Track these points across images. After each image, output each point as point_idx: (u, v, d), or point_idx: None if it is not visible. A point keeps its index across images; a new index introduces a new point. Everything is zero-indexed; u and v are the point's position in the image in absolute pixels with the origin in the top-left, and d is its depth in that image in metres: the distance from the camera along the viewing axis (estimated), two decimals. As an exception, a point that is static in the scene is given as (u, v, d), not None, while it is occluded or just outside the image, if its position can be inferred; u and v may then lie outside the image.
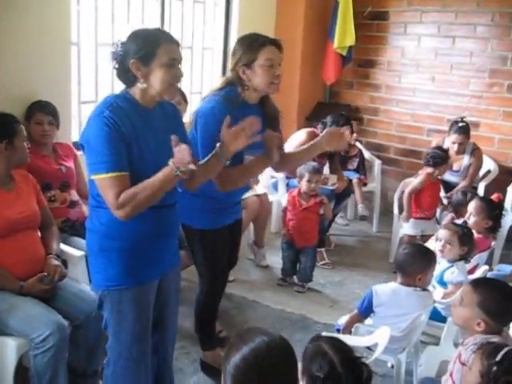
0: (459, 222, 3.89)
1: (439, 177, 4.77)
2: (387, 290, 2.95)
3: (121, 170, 2.03)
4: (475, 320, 2.34)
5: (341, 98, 6.39)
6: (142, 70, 2.09)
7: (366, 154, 5.75)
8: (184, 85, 5.09)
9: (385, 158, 6.08)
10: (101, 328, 2.73)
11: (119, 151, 2.03)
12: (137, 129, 2.10)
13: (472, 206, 3.84)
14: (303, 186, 4.22)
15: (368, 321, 3.02)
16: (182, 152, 1.99)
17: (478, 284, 2.45)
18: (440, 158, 4.63)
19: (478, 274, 3.44)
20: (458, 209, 4.31)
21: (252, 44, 2.65)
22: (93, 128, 2.05)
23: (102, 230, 2.17)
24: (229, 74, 2.78)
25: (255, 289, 4.34)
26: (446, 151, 4.77)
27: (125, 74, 2.13)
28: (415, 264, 2.92)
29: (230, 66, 2.77)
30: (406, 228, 4.79)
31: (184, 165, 1.99)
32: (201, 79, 5.31)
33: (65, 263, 2.87)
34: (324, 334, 2.12)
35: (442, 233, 3.40)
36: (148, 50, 2.07)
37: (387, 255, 5.06)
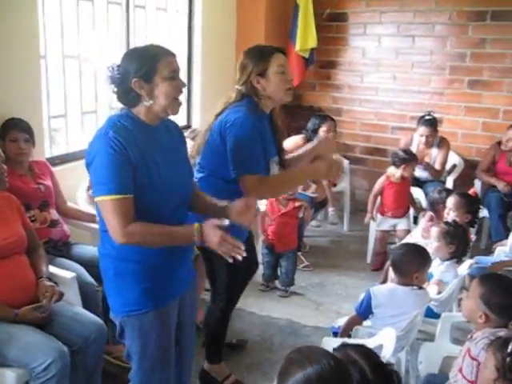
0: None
1: (405, 176, 4.82)
2: (385, 290, 2.98)
3: (125, 192, 1.98)
4: (478, 312, 2.42)
5: (303, 100, 6.43)
6: (145, 88, 2.06)
7: (334, 155, 5.80)
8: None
9: (351, 157, 6.15)
10: (100, 352, 2.67)
11: (124, 173, 1.98)
12: (143, 148, 2.05)
13: (451, 201, 3.91)
14: (282, 190, 4.21)
15: (366, 322, 3.05)
16: (222, 240, 2.01)
17: (483, 278, 2.52)
18: (400, 159, 4.72)
19: (463, 267, 3.52)
20: (435, 207, 4.39)
21: (262, 54, 2.74)
22: (97, 148, 2.00)
23: (114, 253, 2.12)
24: (239, 87, 2.79)
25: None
26: (410, 152, 4.87)
27: (126, 95, 2.10)
28: (411, 263, 2.96)
29: (239, 80, 2.79)
30: (377, 224, 4.89)
31: (212, 246, 2.02)
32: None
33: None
34: (347, 341, 2.11)
35: (433, 231, 3.46)
36: (148, 66, 2.04)
37: (362, 254, 5.12)
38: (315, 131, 5.02)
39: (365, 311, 2.96)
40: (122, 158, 1.97)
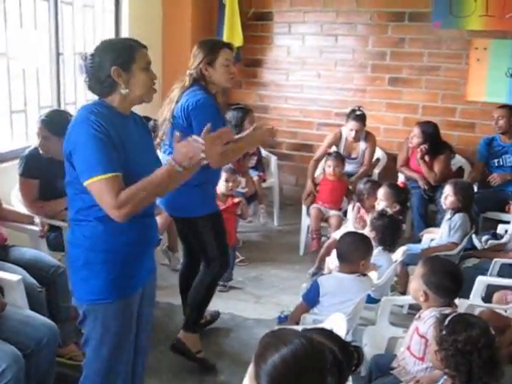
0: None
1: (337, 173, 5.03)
2: (332, 279, 3.12)
3: (115, 170, 2.02)
4: (420, 291, 2.62)
5: (230, 98, 6.49)
6: (123, 77, 2.13)
7: (263, 151, 5.92)
8: (78, 91, 4.93)
9: (278, 153, 6.26)
10: (53, 354, 2.63)
11: (111, 153, 2.03)
12: (120, 133, 2.11)
13: (381, 192, 4.12)
14: (221, 186, 4.24)
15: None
16: (188, 146, 2.04)
17: (426, 260, 2.73)
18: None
19: (397, 254, 3.72)
20: (361, 197, 4.58)
21: (213, 46, 3.18)
22: (81, 133, 2.04)
23: (86, 243, 2.13)
24: (191, 72, 3.18)
25: (177, 294, 4.28)
26: (337, 153, 5.15)
27: (100, 84, 2.15)
28: (358, 251, 3.11)
29: (191, 65, 3.19)
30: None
31: (188, 159, 2.03)
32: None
33: (1, 290, 2.69)
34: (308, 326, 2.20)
35: (366, 220, 3.64)
36: (127, 55, 2.13)
37: (294, 247, 5.25)
38: (240, 125, 5.10)
39: (313, 300, 3.08)
40: (107, 139, 2.03)
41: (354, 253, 3.12)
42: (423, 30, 5.58)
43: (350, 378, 2.18)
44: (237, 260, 4.83)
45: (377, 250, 3.61)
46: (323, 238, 5.03)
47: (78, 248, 2.16)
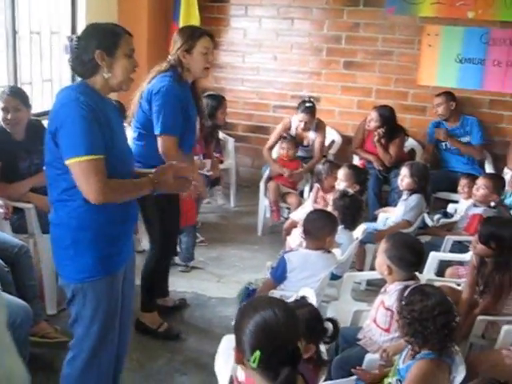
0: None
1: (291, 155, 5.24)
2: (298, 256, 3.21)
3: (99, 153, 2.06)
4: (384, 266, 2.75)
5: (186, 80, 6.47)
6: (106, 60, 2.17)
7: (220, 134, 5.95)
8: (34, 71, 4.84)
9: (235, 135, 6.31)
10: (27, 335, 2.65)
11: (96, 135, 2.07)
12: (104, 114, 2.15)
13: (341, 173, 4.25)
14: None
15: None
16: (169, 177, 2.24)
17: (389, 236, 2.86)
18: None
19: (357, 232, 3.86)
20: (319, 177, 4.69)
21: (192, 34, 3.19)
22: (67, 113, 2.06)
23: (73, 223, 2.16)
24: (170, 57, 3.22)
25: (138, 275, 4.34)
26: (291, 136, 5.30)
27: (83, 65, 2.19)
28: (326, 227, 3.22)
29: (171, 51, 3.22)
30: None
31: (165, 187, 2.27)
32: (50, 65, 5.06)
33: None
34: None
35: (330, 199, 3.76)
36: (112, 40, 2.18)
37: (252, 228, 5.33)
38: (213, 115, 5.14)
39: (280, 276, 3.17)
40: (94, 120, 2.06)
41: (321, 229, 3.22)
42: (378, 15, 5.71)
43: (324, 348, 2.30)
44: (197, 240, 4.88)
45: (338, 229, 3.74)
46: (281, 219, 5.16)
47: (64, 228, 2.18)
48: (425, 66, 5.71)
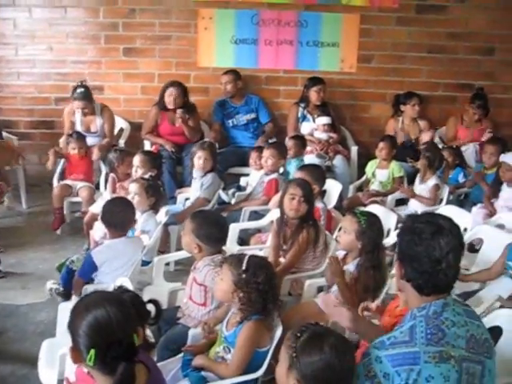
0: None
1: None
2: (105, 248, 3.26)
3: None
4: (193, 245, 2.90)
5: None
6: None
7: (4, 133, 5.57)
8: None
9: (17, 133, 5.93)
10: None
11: None
12: None
13: (137, 159, 4.28)
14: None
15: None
16: None
17: (193, 215, 2.99)
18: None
19: (160, 215, 3.96)
20: (112, 166, 4.66)
21: None
22: None
23: None
24: None
25: None
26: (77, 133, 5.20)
27: None
28: (127, 215, 3.27)
29: None
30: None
31: None
32: None
33: None
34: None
35: (131, 186, 3.79)
36: None
37: (49, 227, 5.06)
38: None
39: (87, 273, 3.21)
40: None
41: (124, 216, 3.28)
42: (153, 0, 5.78)
43: (149, 330, 2.36)
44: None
45: (145, 216, 3.80)
46: (78, 214, 5.03)
47: None
48: (203, 48, 5.94)
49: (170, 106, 5.49)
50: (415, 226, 1.93)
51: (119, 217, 3.26)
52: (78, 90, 5.26)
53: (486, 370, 1.86)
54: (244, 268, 2.41)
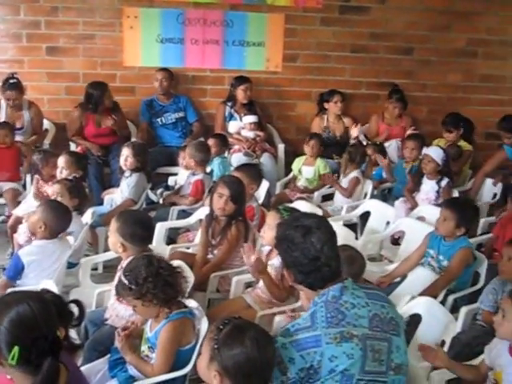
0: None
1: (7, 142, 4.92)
2: (34, 248, 3.25)
3: None
4: (117, 244, 2.92)
5: None
6: None
7: None
8: None
9: None
10: None
11: None
12: None
13: (62, 160, 4.22)
14: None
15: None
16: None
17: (118, 214, 3.01)
18: None
19: (86, 217, 3.92)
20: (37, 168, 4.55)
21: None
22: None
23: None
24: None
25: None
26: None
27: None
28: (59, 216, 3.24)
29: None
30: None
31: None
32: None
33: None
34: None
35: (54, 187, 3.75)
36: None
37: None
38: None
39: (15, 274, 3.15)
40: None
41: (56, 219, 3.27)
42: (75, -1, 5.70)
43: (74, 331, 2.35)
44: None
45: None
46: (1, 217, 4.88)
47: None
48: (129, 47, 5.89)
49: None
50: (286, 233, 2.09)
51: (53, 219, 3.26)
52: (11, 81, 5.16)
53: (393, 346, 2.00)
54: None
